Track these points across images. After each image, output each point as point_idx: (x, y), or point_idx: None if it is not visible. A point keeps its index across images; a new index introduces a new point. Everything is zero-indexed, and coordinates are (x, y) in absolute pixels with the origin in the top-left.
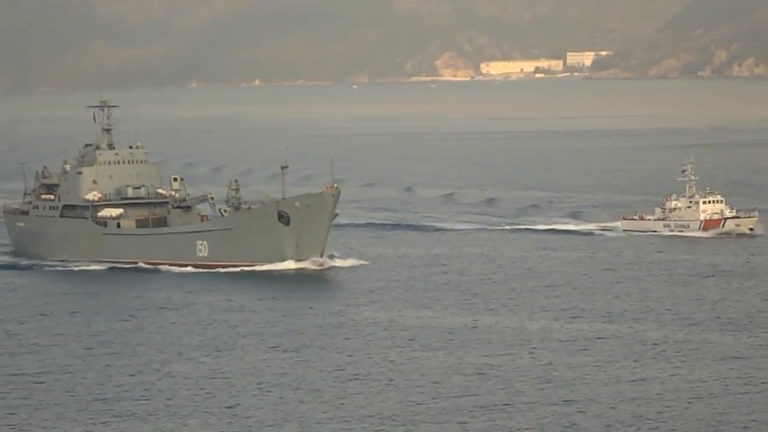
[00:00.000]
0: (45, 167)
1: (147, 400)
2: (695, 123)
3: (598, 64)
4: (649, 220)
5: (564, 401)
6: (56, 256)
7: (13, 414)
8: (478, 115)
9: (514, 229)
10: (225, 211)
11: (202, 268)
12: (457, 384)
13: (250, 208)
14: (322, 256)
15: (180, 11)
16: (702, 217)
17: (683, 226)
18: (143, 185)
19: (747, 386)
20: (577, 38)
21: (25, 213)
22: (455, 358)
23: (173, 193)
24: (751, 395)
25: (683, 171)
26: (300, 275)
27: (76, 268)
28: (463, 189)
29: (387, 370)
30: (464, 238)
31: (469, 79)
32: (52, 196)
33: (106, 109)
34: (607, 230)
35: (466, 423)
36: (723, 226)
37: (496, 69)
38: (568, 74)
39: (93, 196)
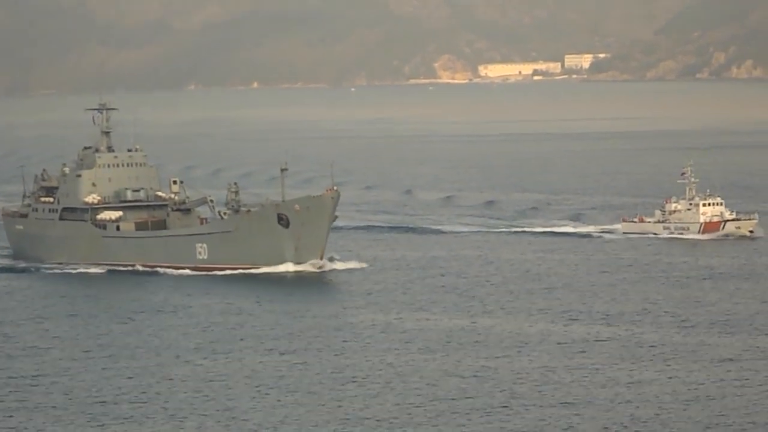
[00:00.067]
0: (44, 170)
1: (145, 402)
2: (693, 125)
3: (596, 67)
4: (649, 222)
5: (562, 403)
6: (55, 259)
7: (10, 416)
8: (476, 118)
9: (513, 231)
10: (224, 213)
11: (202, 270)
12: (455, 386)
13: (249, 210)
14: (321, 259)
15: (178, 13)
16: (702, 219)
17: (683, 229)
18: (142, 188)
19: (744, 389)
20: (575, 41)
21: (24, 216)
22: (453, 361)
23: (172, 195)
24: (748, 397)
25: (683, 173)
26: (298, 278)
27: (74, 271)
28: (462, 192)
29: (385, 373)
30: (463, 240)
31: (467, 81)
32: (51, 199)
33: (104, 111)
34: (607, 233)
35: (464, 425)
36: (723, 228)
37: (494, 72)
38: (566, 77)
39: (92, 198)
